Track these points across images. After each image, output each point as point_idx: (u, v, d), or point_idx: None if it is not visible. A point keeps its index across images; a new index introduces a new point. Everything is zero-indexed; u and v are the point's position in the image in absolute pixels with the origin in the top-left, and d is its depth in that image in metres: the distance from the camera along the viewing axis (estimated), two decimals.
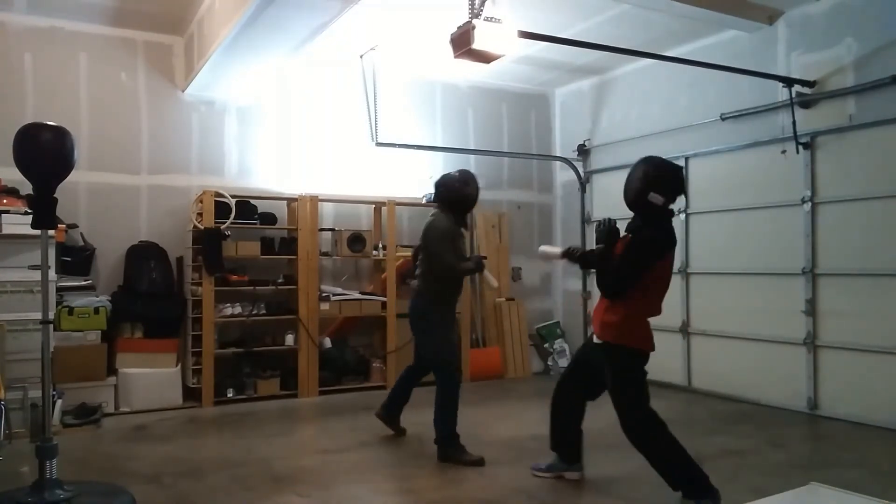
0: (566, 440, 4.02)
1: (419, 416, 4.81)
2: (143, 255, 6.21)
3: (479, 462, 4.37)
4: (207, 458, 4.56)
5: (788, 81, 5.73)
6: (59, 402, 5.16)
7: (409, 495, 3.85)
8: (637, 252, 3.53)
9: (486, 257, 7.63)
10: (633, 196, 3.62)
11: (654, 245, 3.54)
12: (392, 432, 5.10)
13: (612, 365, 3.66)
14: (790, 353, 5.87)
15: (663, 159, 3.69)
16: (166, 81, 6.61)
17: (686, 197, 6.79)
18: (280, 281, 6.59)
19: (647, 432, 3.58)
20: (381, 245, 7.06)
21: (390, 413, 5.09)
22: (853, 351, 5.45)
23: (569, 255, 3.83)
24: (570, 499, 3.85)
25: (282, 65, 5.94)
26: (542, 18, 5.84)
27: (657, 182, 3.54)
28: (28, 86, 6.05)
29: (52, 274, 5.10)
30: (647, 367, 3.68)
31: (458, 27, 4.45)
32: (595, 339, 3.77)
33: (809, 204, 5.76)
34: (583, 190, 8.18)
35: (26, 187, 3.95)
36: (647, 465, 3.60)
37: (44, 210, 3.58)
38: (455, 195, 4.67)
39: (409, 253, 7.23)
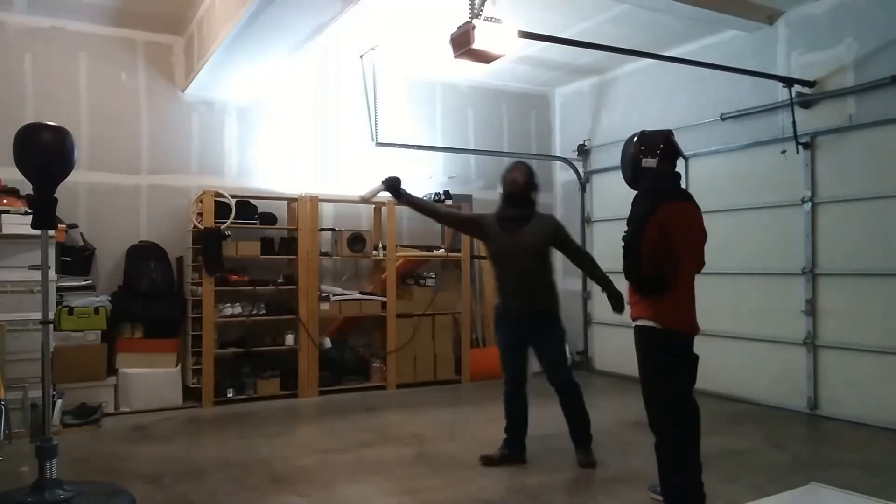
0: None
1: (419, 416, 4.83)
2: (143, 255, 6.21)
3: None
4: (207, 458, 4.56)
5: (788, 81, 5.73)
6: (59, 402, 5.16)
7: (410, 495, 3.85)
8: (631, 216, 3.35)
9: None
10: (630, 165, 3.54)
11: (643, 199, 3.36)
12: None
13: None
14: (790, 353, 5.87)
15: (651, 130, 3.61)
16: (166, 81, 6.61)
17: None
18: (280, 281, 6.59)
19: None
20: (381, 245, 7.06)
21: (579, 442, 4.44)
22: (853, 351, 5.45)
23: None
24: (570, 499, 3.85)
25: (282, 64, 5.94)
26: (542, 18, 5.84)
27: (647, 147, 3.49)
28: (28, 86, 6.04)
29: (52, 274, 5.10)
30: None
31: (458, 27, 4.45)
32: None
33: (809, 204, 5.76)
34: (583, 190, 8.19)
35: (26, 187, 3.95)
36: (648, 465, 3.58)
37: (44, 210, 3.58)
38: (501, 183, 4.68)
39: (408, 253, 7.25)
